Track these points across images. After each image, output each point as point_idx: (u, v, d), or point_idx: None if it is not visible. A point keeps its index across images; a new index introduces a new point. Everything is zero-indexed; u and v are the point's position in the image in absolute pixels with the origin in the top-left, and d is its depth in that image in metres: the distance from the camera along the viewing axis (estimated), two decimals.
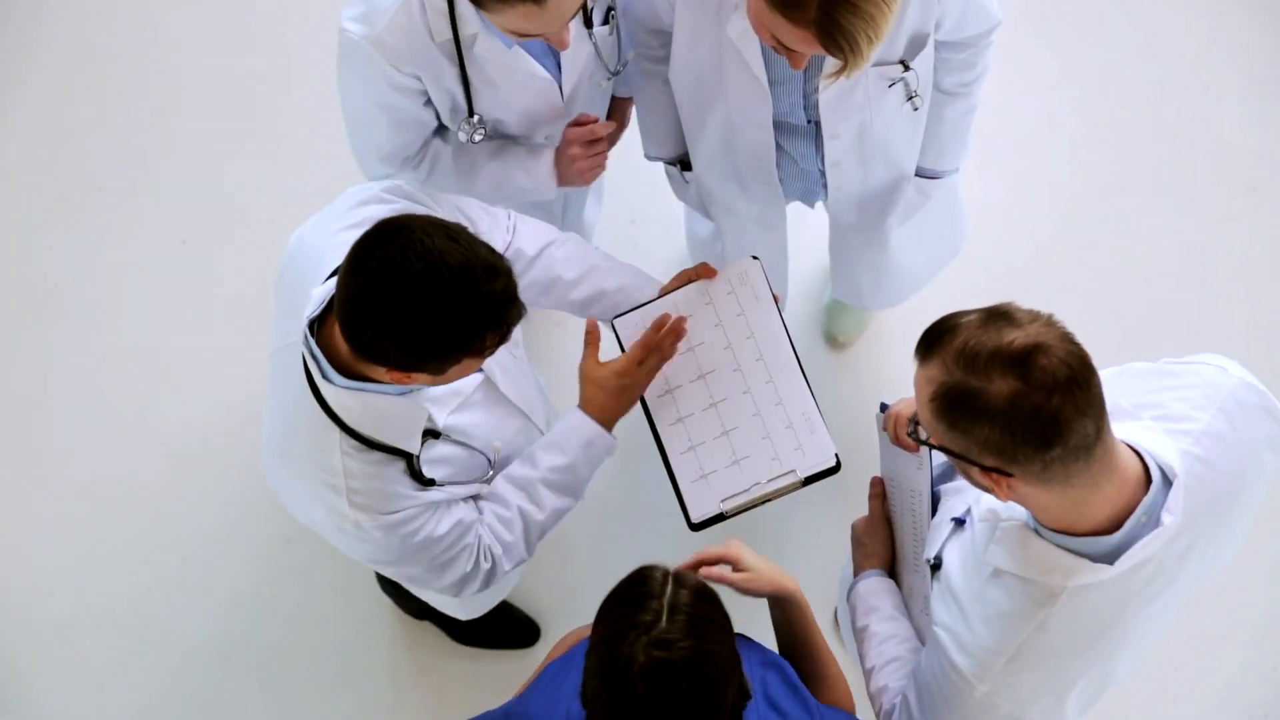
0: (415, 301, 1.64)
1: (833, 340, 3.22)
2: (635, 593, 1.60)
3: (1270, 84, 3.44)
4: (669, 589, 1.59)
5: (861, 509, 2.20)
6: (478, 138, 2.27)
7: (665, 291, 2.24)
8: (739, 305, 2.21)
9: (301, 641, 3.05)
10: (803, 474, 2.12)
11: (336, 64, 2.20)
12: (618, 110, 2.60)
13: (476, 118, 2.24)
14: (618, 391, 2.10)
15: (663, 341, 2.11)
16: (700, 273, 2.23)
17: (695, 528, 2.13)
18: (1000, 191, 3.36)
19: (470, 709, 2.96)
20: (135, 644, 3.05)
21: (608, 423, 2.11)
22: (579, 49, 2.25)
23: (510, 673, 2.97)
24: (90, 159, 3.48)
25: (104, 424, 3.22)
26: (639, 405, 2.18)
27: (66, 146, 3.49)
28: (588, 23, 2.23)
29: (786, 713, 1.78)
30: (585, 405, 2.10)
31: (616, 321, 2.23)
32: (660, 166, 2.69)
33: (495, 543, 2.04)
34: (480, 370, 2.00)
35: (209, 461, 3.17)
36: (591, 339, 2.11)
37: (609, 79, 2.37)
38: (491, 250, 1.69)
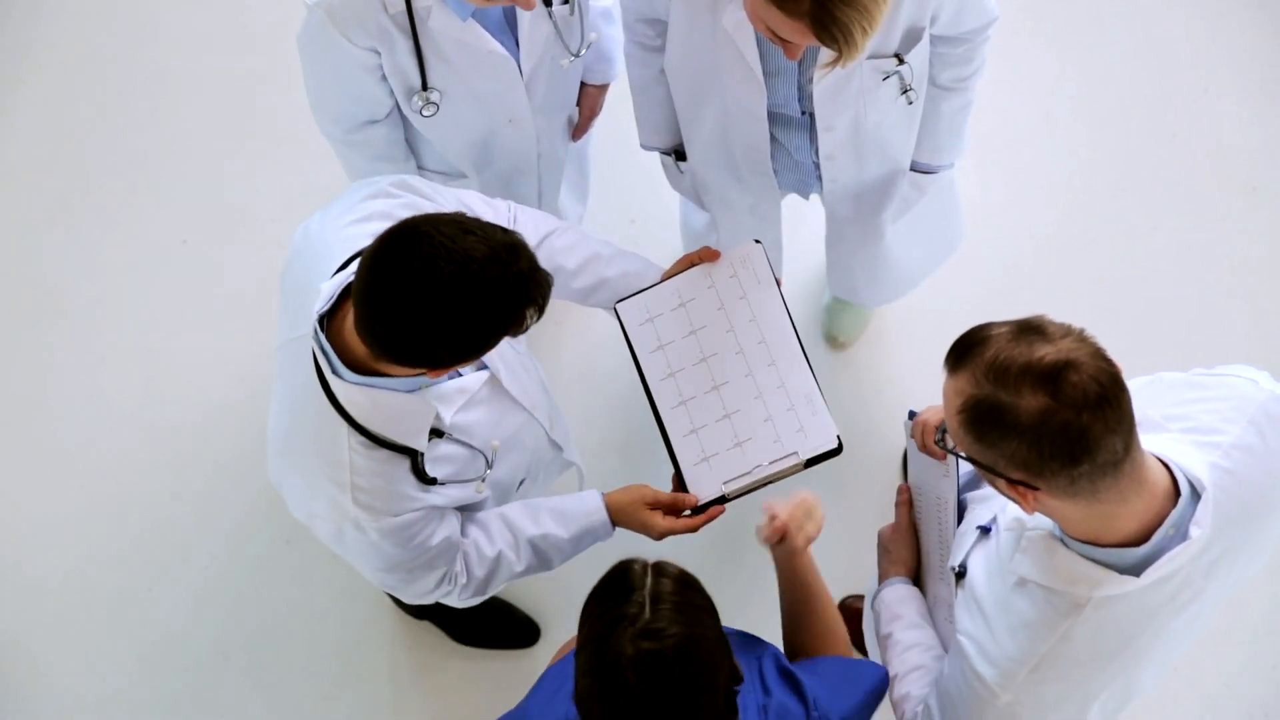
0: (456, 305, 1.63)
1: (833, 340, 3.22)
2: (617, 587, 1.59)
3: (1269, 84, 3.44)
4: (649, 579, 1.59)
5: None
6: (427, 113, 2.28)
7: (668, 276, 2.24)
8: (741, 289, 2.22)
9: (301, 641, 3.05)
10: (804, 455, 2.12)
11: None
12: (587, 98, 2.61)
13: (432, 92, 2.25)
14: (640, 527, 2.15)
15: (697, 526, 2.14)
16: (703, 256, 2.24)
17: (696, 511, 2.13)
18: (999, 191, 3.36)
19: (470, 709, 2.98)
20: (135, 644, 3.05)
21: (617, 525, 2.16)
22: (538, 27, 2.25)
23: (510, 673, 2.97)
24: (90, 159, 3.48)
25: (104, 424, 3.22)
26: (641, 386, 2.19)
27: (66, 146, 3.50)
28: (547, 1, 2.23)
29: (784, 703, 1.77)
30: (611, 506, 2.14)
31: (619, 306, 2.24)
32: (658, 164, 2.69)
33: (463, 572, 2.05)
34: (485, 368, 2.00)
35: (209, 461, 3.17)
36: (679, 503, 2.14)
37: (570, 59, 2.37)
38: (504, 230, 1.69)
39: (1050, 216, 3.34)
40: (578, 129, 2.67)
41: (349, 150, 2.40)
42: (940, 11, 2.18)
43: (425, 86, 2.25)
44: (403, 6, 2.13)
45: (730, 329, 2.21)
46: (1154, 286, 3.25)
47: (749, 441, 2.14)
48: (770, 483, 2.14)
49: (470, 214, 1.85)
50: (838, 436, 2.12)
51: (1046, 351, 1.48)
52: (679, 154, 2.55)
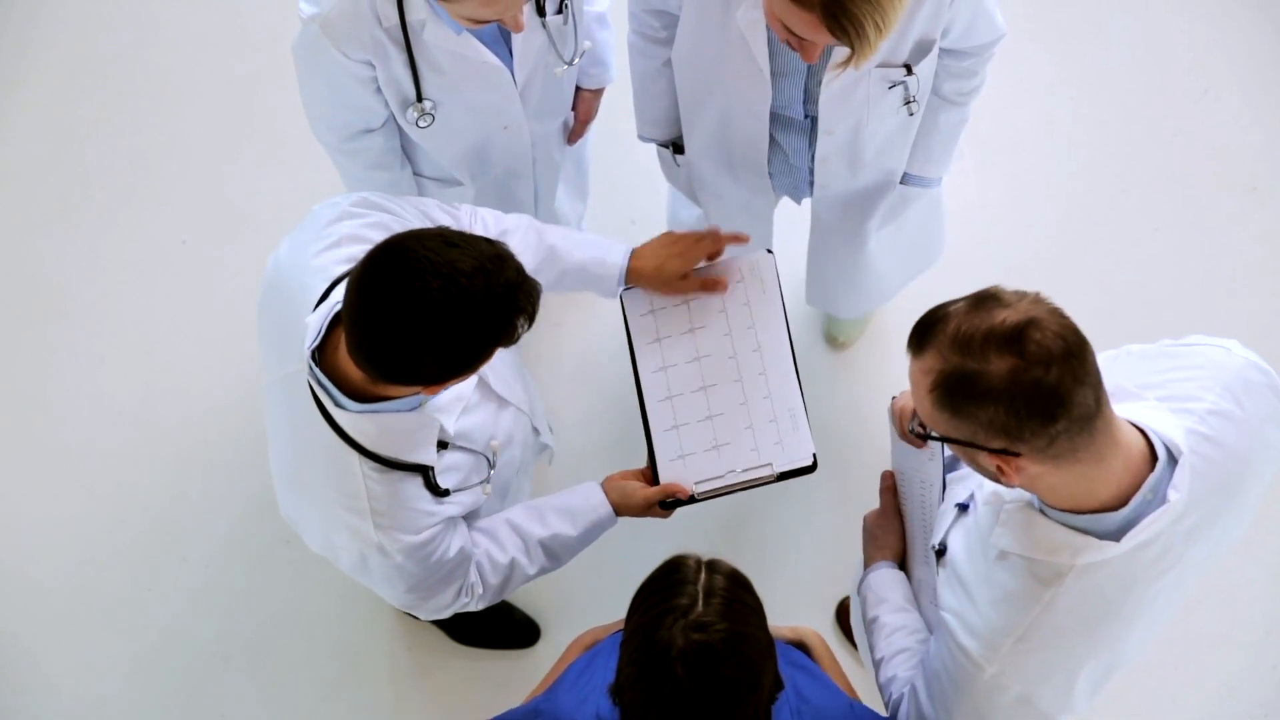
0: (446, 320, 1.62)
1: (833, 340, 3.22)
2: (669, 579, 1.59)
3: (1270, 85, 3.45)
4: (703, 575, 1.59)
5: (864, 510, 2.20)
6: (423, 124, 2.27)
7: (657, 257, 2.23)
8: (746, 295, 2.22)
9: (301, 641, 3.05)
10: (778, 469, 2.12)
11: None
12: (583, 102, 2.61)
13: (426, 103, 2.25)
14: (641, 510, 2.15)
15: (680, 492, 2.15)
16: (714, 242, 2.23)
17: (665, 507, 2.14)
18: (999, 192, 3.36)
19: (470, 709, 2.98)
20: (135, 644, 3.05)
21: (620, 514, 2.17)
22: (532, 37, 2.25)
23: (510, 673, 2.97)
24: (90, 159, 3.48)
25: (104, 424, 3.22)
26: (632, 376, 2.20)
27: (66, 146, 3.50)
28: (540, 11, 2.23)
29: (820, 709, 1.78)
30: (610, 493, 2.15)
31: (624, 294, 2.25)
32: (658, 165, 2.69)
33: (479, 583, 2.06)
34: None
35: (209, 461, 3.17)
36: (668, 490, 2.14)
37: (564, 68, 2.37)
38: (489, 240, 1.68)
39: (1051, 218, 3.34)
40: (573, 133, 2.67)
41: (345, 159, 2.40)
42: (953, 25, 2.18)
43: (420, 98, 2.24)
44: (397, 19, 2.12)
45: (728, 333, 2.21)
46: (1154, 288, 3.25)
47: (727, 446, 2.14)
48: (742, 490, 2.14)
49: (434, 225, 1.84)
50: (813, 455, 2.12)
51: (1006, 315, 1.50)
52: (676, 147, 2.55)
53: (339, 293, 1.75)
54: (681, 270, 2.22)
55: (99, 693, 3.02)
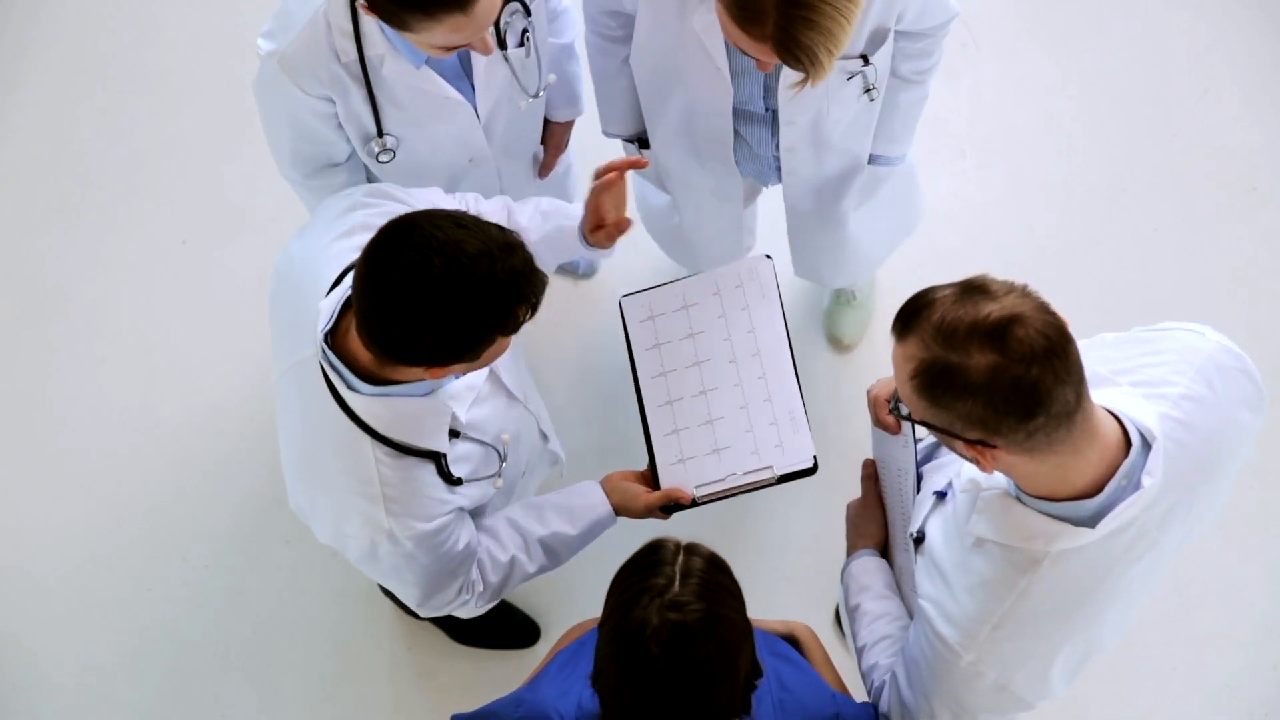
0: (444, 298, 1.63)
1: (835, 342, 3.22)
2: (648, 561, 1.61)
3: (1270, 85, 3.45)
4: (681, 556, 1.60)
5: None
6: (384, 159, 2.26)
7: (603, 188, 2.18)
8: (745, 299, 2.24)
9: (301, 641, 3.05)
10: (779, 471, 2.13)
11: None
12: (553, 135, 2.60)
13: (388, 138, 2.23)
14: (642, 513, 2.16)
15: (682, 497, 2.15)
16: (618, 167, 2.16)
17: (666, 511, 2.15)
18: (999, 191, 3.36)
19: (470, 709, 2.98)
20: (135, 644, 3.05)
21: (619, 514, 2.18)
22: (494, 70, 2.24)
23: (510, 672, 2.97)
24: (90, 159, 3.48)
25: (104, 424, 3.22)
26: (632, 381, 2.21)
27: (66, 146, 3.50)
28: (501, 44, 2.20)
29: (802, 699, 1.78)
30: (611, 494, 2.16)
31: (623, 300, 2.26)
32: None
33: (479, 581, 2.06)
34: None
35: (209, 461, 3.17)
36: (670, 496, 2.15)
37: (528, 101, 2.35)
38: (500, 228, 1.69)
39: (1050, 218, 3.34)
40: (544, 166, 2.65)
41: (310, 195, 2.39)
42: (906, 10, 2.20)
43: (381, 133, 2.23)
44: (355, 55, 2.10)
45: (727, 337, 2.22)
46: (1154, 288, 3.25)
47: (727, 450, 2.15)
48: (742, 493, 2.15)
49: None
50: (814, 457, 2.13)
51: (991, 309, 1.50)
52: (641, 141, 2.56)
53: (351, 279, 1.76)
54: (621, 211, 2.17)
55: (99, 693, 3.02)
